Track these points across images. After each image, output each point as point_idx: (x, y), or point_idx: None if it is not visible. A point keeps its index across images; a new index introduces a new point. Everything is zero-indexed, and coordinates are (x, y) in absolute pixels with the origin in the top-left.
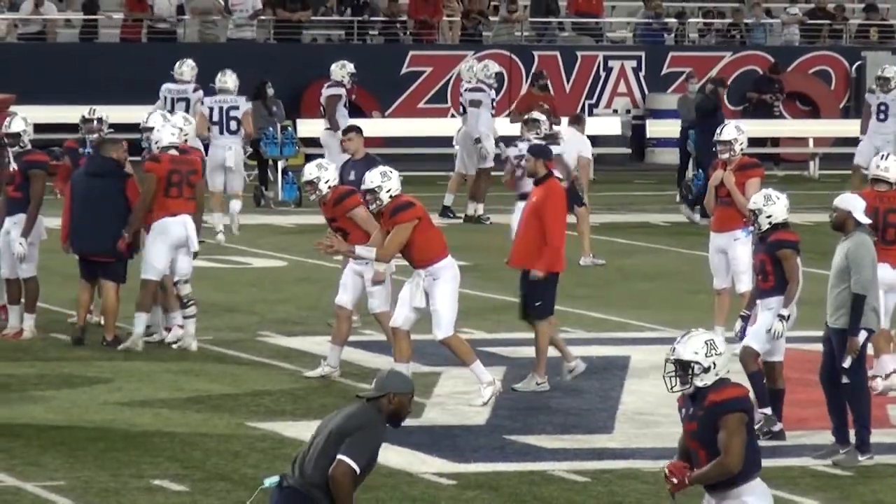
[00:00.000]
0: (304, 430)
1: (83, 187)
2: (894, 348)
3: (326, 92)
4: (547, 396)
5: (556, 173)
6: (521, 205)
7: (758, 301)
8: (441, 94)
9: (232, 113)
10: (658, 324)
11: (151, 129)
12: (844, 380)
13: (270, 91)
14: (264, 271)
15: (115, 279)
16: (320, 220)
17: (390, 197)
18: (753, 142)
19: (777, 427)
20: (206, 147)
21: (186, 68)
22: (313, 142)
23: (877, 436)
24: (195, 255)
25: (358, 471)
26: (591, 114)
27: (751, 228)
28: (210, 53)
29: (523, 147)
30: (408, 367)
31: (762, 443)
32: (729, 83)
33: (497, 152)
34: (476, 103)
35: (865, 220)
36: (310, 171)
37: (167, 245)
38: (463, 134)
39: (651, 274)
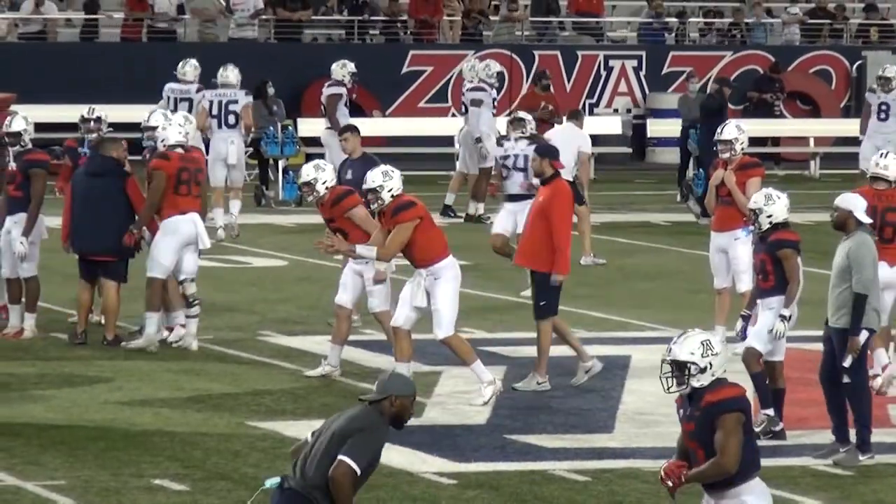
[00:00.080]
0: (304, 430)
1: (83, 187)
2: (895, 347)
3: (327, 91)
4: (547, 396)
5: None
6: (507, 206)
7: (758, 301)
8: (442, 94)
9: (231, 107)
10: (659, 323)
11: (153, 128)
12: (846, 379)
13: (271, 90)
14: (265, 271)
15: (116, 278)
16: (321, 219)
17: (392, 196)
18: (754, 141)
19: (778, 427)
20: (208, 144)
21: (189, 68)
22: (314, 141)
23: (877, 435)
24: (199, 252)
25: (358, 472)
26: (591, 113)
27: (751, 228)
28: (211, 53)
29: (509, 147)
30: (408, 366)
31: (762, 442)
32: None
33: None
34: (477, 103)
35: (866, 220)
36: (307, 172)
37: (177, 243)
38: (464, 133)
39: (652, 273)
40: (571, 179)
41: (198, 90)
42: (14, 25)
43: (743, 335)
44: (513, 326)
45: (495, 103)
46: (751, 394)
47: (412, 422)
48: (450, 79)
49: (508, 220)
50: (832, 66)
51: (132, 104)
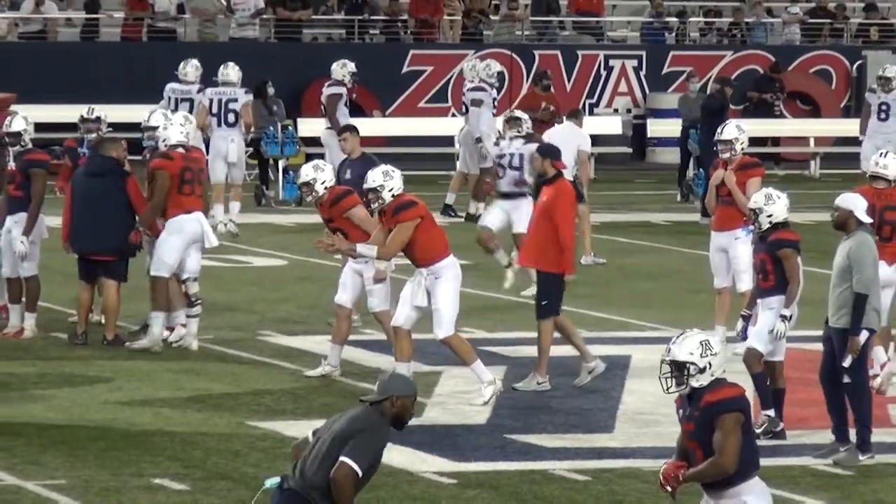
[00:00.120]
0: (304, 430)
1: (83, 187)
2: (895, 347)
3: (327, 91)
4: (548, 396)
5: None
6: (500, 203)
7: (758, 300)
8: (442, 94)
9: (230, 105)
10: (659, 323)
11: (154, 127)
12: (846, 379)
13: (271, 90)
14: (265, 270)
15: (117, 278)
16: (321, 219)
17: (392, 196)
18: (754, 141)
19: (778, 427)
20: (208, 144)
21: (191, 69)
22: (314, 141)
23: (877, 435)
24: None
25: (360, 473)
26: (591, 113)
27: (751, 228)
28: (211, 52)
29: (504, 146)
30: (409, 366)
31: (762, 442)
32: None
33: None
34: (478, 102)
35: (867, 220)
36: (306, 172)
37: (183, 242)
38: (465, 133)
39: (652, 273)
40: (572, 179)
41: (199, 90)
42: (14, 25)
43: (744, 335)
44: (513, 326)
45: (495, 103)
46: (751, 394)
47: (412, 421)
48: (450, 78)
49: (498, 216)
50: (832, 66)
51: (132, 104)
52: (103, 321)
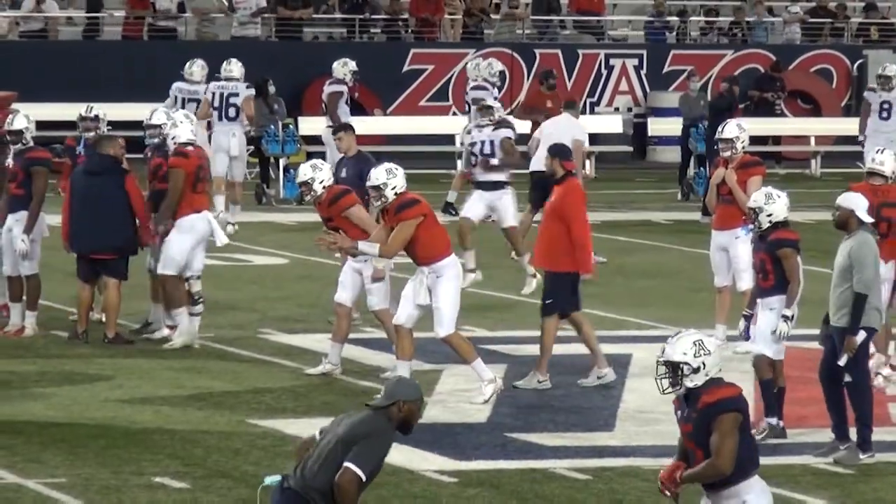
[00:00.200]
0: (305, 428)
1: (82, 185)
2: None
3: (328, 89)
4: (548, 394)
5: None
6: (479, 193)
7: (758, 300)
8: (443, 92)
9: (232, 100)
10: (659, 322)
11: (156, 126)
12: (847, 378)
13: (272, 89)
14: (265, 269)
15: (117, 276)
16: (320, 218)
17: (395, 194)
18: (755, 140)
19: (779, 425)
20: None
21: (197, 68)
22: (315, 139)
23: (878, 434)
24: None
25: (364, 479)
26: (592, 112)
27: (751, 227)
28: (212, 51)
29: (475, 134)
30: (410, 365)
31: (762, 441)
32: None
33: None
34: (479, 101)
35: (868, 219)
36: (304, 171)
37: (193, 241)
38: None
39: (652, 272)
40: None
41: (206, 90)
42: (15, 24)
43: (746, 335)
44: (513, 325)
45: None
46: (749, 394)
47: None
48: (451, 77)
49: (479, 208)
50: (833, 65)
51: (133, 102)
52: (104, 319)
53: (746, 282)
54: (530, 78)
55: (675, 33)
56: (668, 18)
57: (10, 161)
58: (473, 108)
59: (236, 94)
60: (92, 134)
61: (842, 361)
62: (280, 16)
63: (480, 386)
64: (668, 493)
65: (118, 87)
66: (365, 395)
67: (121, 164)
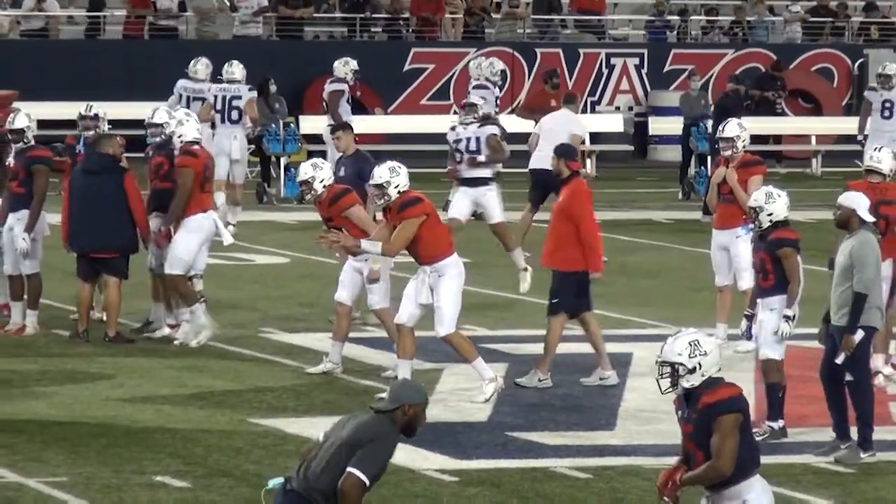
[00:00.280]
0: (306, 427)
1: (81, 184)
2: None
3: (329, 88)
4: (549, 393)
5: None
6: (462, 189)
7: (759, 300)
8: (443, 91)
9: (234, 102)
10: (660, 321)
11: (158, 125)
12: (848, 377)
13: (273, 88)
14: (267, 268)
15: (118, 275)
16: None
17: (398, 192)
18: (756, 139)
19: (780, 428)
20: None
21: (201, 66)
22: (316, 138)
23: (879, 433)
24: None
25: (367, 484)
26: (593, 111)
27: (751, 226)
28: (213, 50)
29: (460, 131)
30: (411, 364)
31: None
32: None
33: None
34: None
35: (870, 218)
36: (304, 170)
37: (201, 240)
38: None
39: (653, 271)
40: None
41: (210, 88)
42: (16, 22)
43: (748, 335)
44: (514, 324)
45: (498, 102)
46: (748, 393)
47: None
48: (452, 76)
49: (465, 206)
50: (834, 64)
51: (134, 101)
52: (104, 318)
53: (747, 281)
54: (531, 77)
55: (675, 32)
56: (669, 17)
57: (11, 160)
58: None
59: (239, 97)
60: (91, 133)
61: (839, 360)
62: (281, 15)
63: (481, 385)
64: (666, 497)
65: (119, 86)
66: (366, 394)
67: (119, 163)
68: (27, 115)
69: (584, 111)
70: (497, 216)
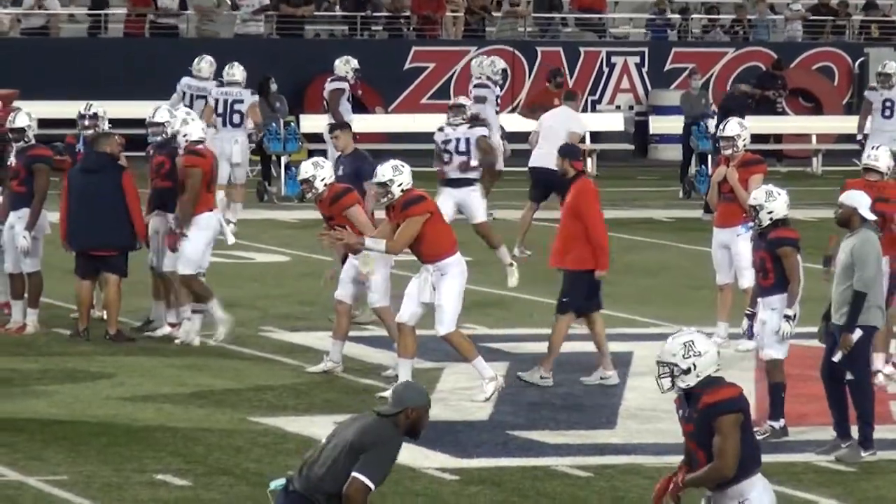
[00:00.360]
0: (306, 426)
1: (79, 183)
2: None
3: (330, 86)
4: (550, 392)
5: (536, 162)
6: (446, 190)
7: (759, 300)
8: (444, 90)
9: (236, 106)
10: (661, 319)
11: (159, 124)
12: (848, 376)
13: (273, 86)
14: (267, 266)
15: (117, 273)
16: (321, 216)
17: (402, 191)
18: (756, 138)
19: (781, 427)
20: None
21: (205, 65)
22: (316, 137)
23: (880, 432)
24: None
25: (373, 488)
26: (594, 110)
27: (751, 224)
28: (213, 49)
29: (449, 132)
30: (412, 363)
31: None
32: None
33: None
34: (481, 99)
35: (871, 217)
36: (305, 169)
37: (209, 239)
38: None
39: (654, 269)
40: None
41: (211, 91)
42: (17, 21)
43: (750, 334)
44: (514, 323)
45: (498, 100)
46: (749, 392)
47: None
48: (452, 75)
49: (448, 204)
50: (835, 63)
51: (135, 100)
52: (105, 317)
53: (748, 279)
54: (532, 76)
55: (676, 31)
56: (670, 16)
57: (12, 159)
58: (475, 105)
59: (241, 101)
60: (91, 132)
61: (836, 358)
62: (282, 13)
63: (482, 384)
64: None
65: (119, 84)
66: (366, 393)
67: (118, 161)
68: (28, 113)
69: (584, 110)
70: (480, 216)
